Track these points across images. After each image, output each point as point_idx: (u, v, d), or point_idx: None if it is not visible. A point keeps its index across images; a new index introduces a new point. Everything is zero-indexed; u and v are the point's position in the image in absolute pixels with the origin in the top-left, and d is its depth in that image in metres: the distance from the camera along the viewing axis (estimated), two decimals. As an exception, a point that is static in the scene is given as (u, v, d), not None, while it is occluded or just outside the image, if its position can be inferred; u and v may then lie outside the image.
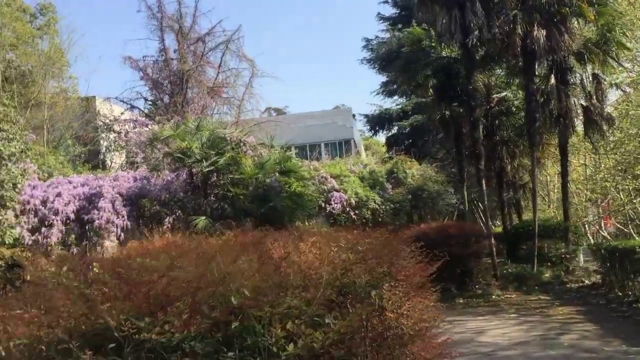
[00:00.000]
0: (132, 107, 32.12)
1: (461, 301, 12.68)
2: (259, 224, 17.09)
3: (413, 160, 28.24)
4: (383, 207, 22.82)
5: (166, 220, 16.91)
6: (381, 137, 47.25)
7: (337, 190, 21.99)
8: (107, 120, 30.90)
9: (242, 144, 18.48)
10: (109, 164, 31.05)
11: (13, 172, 15.88)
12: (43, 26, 31.55)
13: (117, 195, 17.18)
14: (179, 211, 17.11)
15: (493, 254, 14.50)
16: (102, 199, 16.87)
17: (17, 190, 16.03)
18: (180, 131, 18.03)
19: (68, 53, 31.09)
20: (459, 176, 17.50)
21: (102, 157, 31.62)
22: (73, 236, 17.41)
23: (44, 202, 16.92)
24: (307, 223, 19.36)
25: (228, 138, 18.50)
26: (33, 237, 16.18)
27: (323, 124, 39.07)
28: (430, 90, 17.39)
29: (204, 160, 16.99)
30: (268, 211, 16.77)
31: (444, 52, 16.68)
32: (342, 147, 38.24)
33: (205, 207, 17.08)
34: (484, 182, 15.08)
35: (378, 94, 26.07)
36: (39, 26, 31.35)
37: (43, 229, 16.34)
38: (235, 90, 32.37)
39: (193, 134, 18.40)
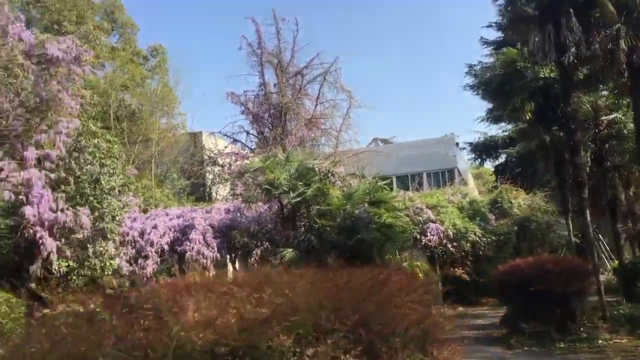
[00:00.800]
0: (235, 141, 33.09)
1: (561, 346, 11.35)
2: (347, 257, 16.74)
3: (519, 189, 26.59)
4: (484, 239, 21.51)
5: (254, 252, 16.90)
6: (490, 166, 45.44)
7: (433, 222, 21.06)
8: (212, 154, 32.03)
9: (330, 174, 18.21)
10: (214, 196, 32.06)
11: (112, 205, 16.63)
12: (154, 67, 33.52)
13: (209, 227, 17.47)
14: (267, 243, 17.03)
15: (601, 292, 12.96)
16: (193, 230, 17.21)
17: (116, 222, 16.77)
18: (270, 163, 18.09)
19: (176, 91, 32.72)
20: (562, 206, 16.03)
21: (207, 189, 32.74)
22: (173, 267, 17.97)
23: (141, 234, 17.53)
24: (398, 256, 18.62)
25: (317, 169, 18.31)
26: (131, 268, 16.74)
27: (425, 153, 38.09)
28: (528, 114, 16.20)
29: (290, 192, 16.88)
30: (356, 243, 16.27)
31: (541, 73, 15.51)
32: (444, 176, 36.99)
33: (293, 239, 16.89)
34: (588, 212, 13.63)
35: (483, 120, 24.82)
36: (151, 67, 33.35)
37: (140, 260, 16.88)
38: (333, 121, 32.44)
39: (283, 165, 18.43)
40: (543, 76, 15.61)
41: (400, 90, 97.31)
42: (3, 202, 15.48)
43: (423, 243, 20.76)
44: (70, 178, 17.08)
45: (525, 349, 11.62)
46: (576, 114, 14.09)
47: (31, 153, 15.82)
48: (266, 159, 18.22)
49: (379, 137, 49.71)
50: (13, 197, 15.16)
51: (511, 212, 24.74)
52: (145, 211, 21.07)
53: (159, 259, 17.14)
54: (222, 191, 32.08)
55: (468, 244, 21.07)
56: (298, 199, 16.84)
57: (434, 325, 6.45)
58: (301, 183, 17.07)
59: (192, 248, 16.73)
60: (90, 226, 16.52)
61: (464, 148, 41.14)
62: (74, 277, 16.68)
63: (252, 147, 32.37)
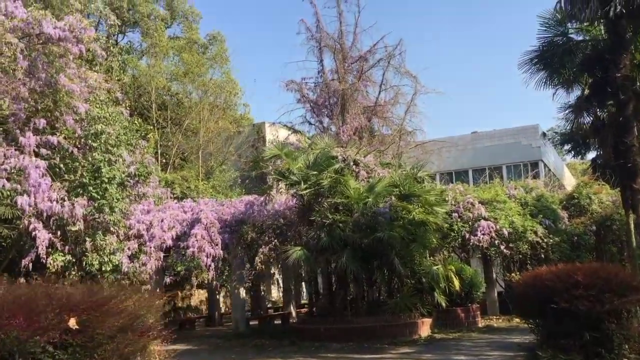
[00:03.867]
0: (295, 131, 31.42)
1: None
2: (361, 258, 14.48)
3: (603, 184, 22.74)
4: (547, 240, 18.29)
5: (260, 250, 15.07)
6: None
7: (485, 219, 18.15)
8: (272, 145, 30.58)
9: (353, 163, 15.99)
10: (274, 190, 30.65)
11: (111, 196, 15.42)
12: (214, 56, 32.59)
13: (215, 221, 15.83)
14: (275, 240, 15.13)
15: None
16: (198, 224, 15.66)
17: (116, 214, 15.56)
18: (287, 151, 16.21)
19: (238, 81, 31.64)
20: (621, 199, 12.80)
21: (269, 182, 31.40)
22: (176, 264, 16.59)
23: (148, 228, 16.23)
24: (429, 258, 16.04)
25: (339, 157, 16.16)
26: (131, 264, 15.48)
27: (504, 144, 34.48)
28: (585, 88, 13.03)
29: (302, 182, 14.88)
30: (373, 242, 13.98)
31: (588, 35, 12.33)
32: (527, 169, 33.22)
33: (305, 235, 14.89)
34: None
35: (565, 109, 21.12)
36: (211, 56, 32.44)
37: (142, 256, 15.58)
38: (396, 109, 29.87)
39: (304, 152, 16.47)
40: (590, 38, 12.46)
41: (476, 76, 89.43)
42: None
43: (472, 243, 17.93)
44: (78, 166, 16.19)
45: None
46: (627, 81, 10.95)
47: (28, 139, 15.00)
48: (283, 146, 16.30)
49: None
50: (7, 185, 14.35)
51: (590, 209, 21.10)
52: (179, 200, 19.95)
53: (162, 255, 15.74)
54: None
55: (526, 245, 17.94)
56: (309, 190, 14.81)
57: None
58: (315, 172, 15.00)
59: (193, 244, 15.16)
60: (88, 218, 15.53)
61: (550, 138, 36.95)
62: (73, 273, 15.68)
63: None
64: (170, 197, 20.24)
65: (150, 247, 15.42)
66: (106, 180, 15.46)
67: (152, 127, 24.96)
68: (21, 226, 15.17)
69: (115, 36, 32.27)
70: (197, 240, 15.16)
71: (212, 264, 15.15)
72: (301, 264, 14.65)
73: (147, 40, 30.62)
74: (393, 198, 15.43)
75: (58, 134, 16.51)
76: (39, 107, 16.19)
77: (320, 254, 14.60)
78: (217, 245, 15.35)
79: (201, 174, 26.68)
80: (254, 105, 67.44)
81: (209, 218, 15.79)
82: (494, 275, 20.15)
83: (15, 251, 15.95)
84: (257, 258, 15.26)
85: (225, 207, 16.81)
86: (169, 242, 15.67)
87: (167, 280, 17.12)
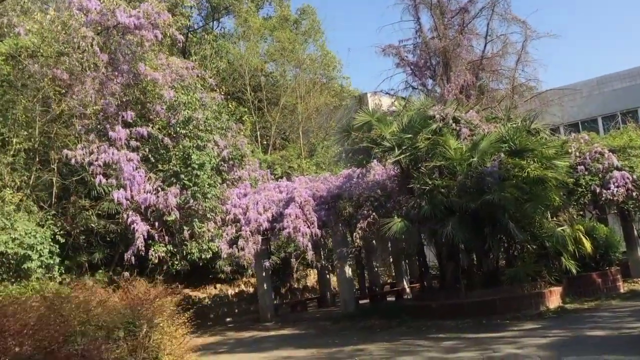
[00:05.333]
0: (398, 98, 29.81)
1: None
2: (470, 224, 12.89)
3: None
4: None
5: (359, 225, 13.96)
6: None
7: (618, 169, 15.73)
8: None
9: (452, 122, 14.34)
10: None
11: (203, 182, 15.04)
12: (307, 30, 31.73)
13: (309, 199, 14.95)
14: (374, 212, 13.93)
15: None
16: (292, 203, 14.87)
17: (209, 199, 15.16)
18: (380, 115, 14.93)
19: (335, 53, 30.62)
20: None
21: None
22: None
23: (245, 212, 15.74)
24: (553, 219, 14.09)
25: (438, 116, 14.59)
26: (230, 250, 15.06)
27: (638, 84, 30.46)
28: None
29: (395, 148, 13.54)
30: (482, 206, 12.38)
31: None
32: (669, 110, 29.12)
33: (406, 205, 13.56)
34: None
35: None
36: (303, 31, 31.61)
37: (240, 241, 15.10)
38: (506, 61, 27.22)
39: (396, 117, 15.10)
40: None
41: (595, 13, 79.08)
42: (97, 188, 14.91)
43: (604, 197, 15.58)
44: (171, 155, 16.02)
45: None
46: None
47: (118, 133, 14.95)
48: (374, 112, 15.00)
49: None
50: (104, 180, 14.42)
51: None
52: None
53: (260, 238, 15.15)
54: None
55: (673, 195, 15.30)
56: (404, 155, 13.45)
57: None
58: (409, 136, 13.59)
59: (288, 225, 14.38)
60: (184, 206, 15.27)
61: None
62: (176, 263, 15.57)
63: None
64: (271, 179, 19.74)
65: (247, 231, 14.87)
66: (196, 166, 15.09)
67: (247, 110, 24.60)
68: (120, 221, 15.33)
69: (211, 23, 32.49)
70: (291, 221, 14.34)
71: (309, 244, 14.29)
72: (403, 236, 13.34)
73: (242, 23, 30.40)
74: (502, 155, 13.62)
75: (151, 125, 16.48)
76: (129, 99, 16.20)
77: (422, 224, 13.25)
78: (312, 223, 14.45)
79: (304, 152, 25.99)
80: (353, 76, 65.24)
81: (303, 196, 14.94)
82: (636, 233, 17.54)
83: (123, 245, 16.10)
84: (354, 233, 14.15)
85: (320, 183, 15.87)
86: (265, 225, 15.05)
87: (267, 263, 16.51)
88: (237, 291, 21.82)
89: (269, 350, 11.69)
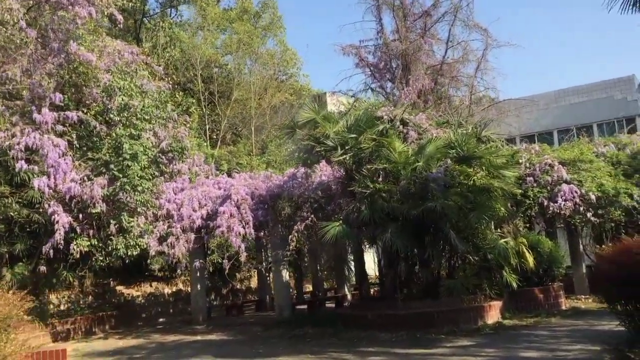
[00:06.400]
0: (357, 99, 29.20)
1: None
2: (410, 232, 12.28)
3: None
4: (647, 204, 15.28)
5: (295, 227, 13.21)
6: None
7: (567, 182, 15.39)
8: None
9: (400, 124, 13.73)
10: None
11: (134, 174, 14.03)
12: (268, 25, 30.87)
13: (247, 197, 14.13)
14: (312, 215, 13.21)
15: None
16: (228, 201, 14.02)
17: (138, 192, 14.17)
18: (325, 114, 14.22)
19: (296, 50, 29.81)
20: None
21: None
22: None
23: (179, 208, 14.80)
24: (497, 230, 13.60)
25: (386, 117, 13.97)
26: (159, 248, 14.11)
27: (594, 100, 30.59)
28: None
29: (338, 148, 12.84)
30: (424, 214, 11.75)
31: None
32: (623, 127, 29.29)
33: (346, 209, 12.87)
34: None
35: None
36: (263, 25, 30.73)
37: (170, 239, 14.16)
38: (466, 67, 26.88)
39: (343, 116, 14.42)
40: None
41: (556, 26, 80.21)
42: (21, 175, 13.78)
43: (551, 210, 15.22)
44: (104, 143, 14.98)
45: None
46: None
47: (44, 116, 13.85)
48: (319, 110, 14.26)
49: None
50: (25, 166, 13.31)
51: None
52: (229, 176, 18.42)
53: (193, 236, 14.24)
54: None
55: (618, 212, 15.01)
56: (347, 156, 12.76)
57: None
58: (354, 136, 12.91)
59: (222, 224, 13.52)
60: (112, 199, 14.27)
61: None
62: (100, 258, 14.52)
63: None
64: (215, 174, 18.82)
65: (177, 228, 13.95)
66: (128, 156, 14.09)
67: (194, 102, 23.58)
68: (42, 210, 14.22)
69: (168, 10, 31.33)
70: (225, 220, 13.49)
71: (242, 245, 13.46)
72: (342, 241, 12.63)
73: (200, 12, 29.38)
74: (449, 161, 13.05)
75: (86, 110, 15.41)
76: (63, 81, 15.10)
77: (361, 230, 12.57)
78: (247, 223, 13.63)
79: (255, 149, 25.13)
80: (312, 74, 64.52)
81: (240, 194, 14.12)
82: (582, 248, 17.25)
83: (46, 237, 14.96)
84: (290, 236, 13.39)
85: (260, 182, 15.06)
86: (199, 222, 14.15)
87: (198, 263, 15.55)
88: (174, 290, 20.83)
89: (187, 357, 10.83)
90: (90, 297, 18.11)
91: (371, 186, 12.23)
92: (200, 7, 28.58)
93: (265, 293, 19.54)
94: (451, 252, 12.92)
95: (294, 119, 14.68)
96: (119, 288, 19.45)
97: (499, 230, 13.79)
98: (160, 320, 18.94)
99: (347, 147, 12.82)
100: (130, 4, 17.65)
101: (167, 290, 20.67)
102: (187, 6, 31.50)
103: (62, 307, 17.11)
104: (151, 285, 20.35)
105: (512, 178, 13.43)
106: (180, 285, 21.18)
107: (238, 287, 23.47)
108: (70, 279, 16.78)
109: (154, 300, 19.90)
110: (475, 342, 10.27)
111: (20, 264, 15.58)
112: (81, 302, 17.64)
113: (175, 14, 31.22)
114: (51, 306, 16.76)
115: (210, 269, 19.26)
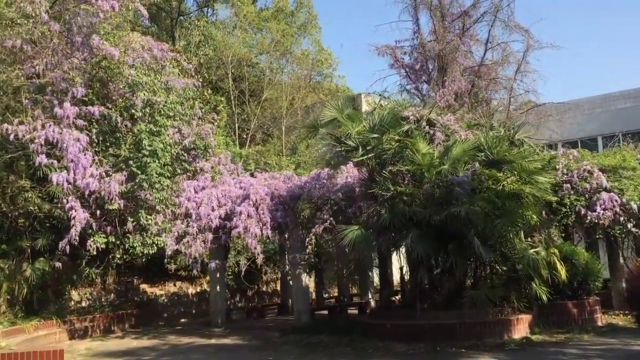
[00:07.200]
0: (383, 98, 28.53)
1: None
2: (434, 238, 11.62)
3: None
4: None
5: (314, 229, 12.71)
6: None
7: (607, 190, 14.45)
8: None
9: (426, 124, 13.09)
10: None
11: (152, 171, 13.79)
12: (303, 25, 30.52)
13: (266, 197, 13.71)
14: (331, 217, 12.68)
15: None
16: (246, 201, 13.62)
17: (156, 189, 13.92)
18: (350, 112, 13.64)
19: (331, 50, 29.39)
20: None
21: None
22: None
23: (199, 206, 14.49)
24: (527, 239, 12.79)
25: (412, 117, 13.35)
26: (176, 247, 13.81)
27: (643, 104, 29.07)
28: None
29: (359, 148, 12.29)
30: (447, 219, 11.09)
31: None
32: (675, 134, 27.70)
33: (366, 211, 12.31)
34: None
35: None
36: (299, 25, 30.40)
37: (187, 237, 13.85)
38: (505, 70, 25.94)
39: (368, 115, 13.86)
40: None
41: (603, 28, 75.88)
42: (42, 169, 13.71)
43: (589, 220, 14.30)
44: (127, 138, 14.81)
45: None
46: None
47: (65, 110, 13.73)
48: (343, 109, 13.69)
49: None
50: (45, 160, 13.22)
51: None
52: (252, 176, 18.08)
53: (211, 236, 13.90)
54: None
55: (664, 225, 14.01)
56: (368, 157, 12.21)
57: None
58: (376, 136, 12.34)
59: (239, 224, 13.13)
60: (128, 195, 14.04)
61: None
62: (117, 256, 14.35)
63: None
64: (240, 174, 18.49)
65: (194, 227, 13.63)
66: (147, 152, 13.87)
67: (223, 100, 23.30)
68: (60, 205, 14.12)
69: (206, 10, 31.31)
70: (242, 220, 13.09)
71: (258, 246, 13.03)
72: (359, 245, 12.02)
73: (236, 12, 29.26)
74: (477, 165, 12.33)
75: (110, 106, 15.28)
76: (89, 76, 15.00)
77: (382, 234, 11.97)
78: (265, 224, 13.19)
79: (285, 150, 24.75)
80: (346, 75, 63.40)
81: (259, 193, 13.70)
82: (622, 261, 16.20)
83: (66, 232, 14.87)
84: (307, 239, 12.91)
85: (281, 182, 14.62)
86: (216, 222, 13.80)
87: (213, 264, 15.15)
88: (198, 290, 20.58)
89: (194, 362, 10.48)
90: (112, 294, 17.99)
91: (392, 189, 11.62)
92: (233, 4, 28.44)
93: (287, 297, 19.09)
94: (477, 260, 12.18)
95: (317, 117, 14.12)
96: (143, 286, 19.30)
97: (529, 239, 12.96)
98: (182, 320, 18.71)
99: (368, 148, 12.27)
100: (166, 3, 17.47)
101: (191, 290, 20.44)
102: (225, 5, 31.40)
103: (83, 304, 17.01)
104: (175, 285, 20.14)
105: (546, 184, 12.59)
106: (205, 286, 20.91)
107: (264, 289, 23.11)
108: (93, 276, 16.74)
109: (177, 300, 19.70)
110: (496, 359, 9.56)
111: (42, 259, 15.55)
112: (103, 300, 17.53)
113: (212, 13, 31.18)
114: (72, 303, 16.69)
115: (236, 270, 18.90)
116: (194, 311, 19.74)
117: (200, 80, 18.16)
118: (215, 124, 18.33)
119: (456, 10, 26.95)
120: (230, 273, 19.11)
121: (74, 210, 13.17)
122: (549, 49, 26.44)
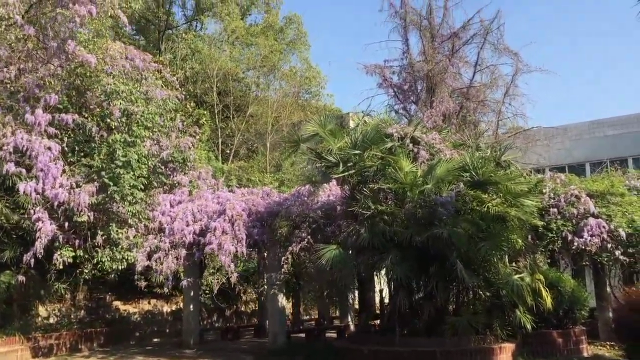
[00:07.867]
0: (367, 115, 28.17)
1: None
2: (414, 259, 11.13)
3: None
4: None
5: (290, 248, 12.18)
6: None
7: (594, 216, 14.07)
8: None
9: (410, 142, 12.67)
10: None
11: (125, 183, 13.23)
12: (292, 42, 30.25)
13: (243, 213, 13.17)
14: (309, 236, 12.17)
15: None
16: (221, 217, 13.08)
17: (129, 202, 13.35)
18: (332, 127, 13.19)
19: (319, 68, 29.12)
20: None
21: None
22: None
23: (173, 221, 13.92)
24: (509, 264, 12.31)
25: (396, 134, 12.93)
26: (147, 263, 13.20)
27: (633, 132, 28.95)
28: None
29: (340, 164, 11.83)
30: (429, 241, 10.61)
31: None
32: (662, 162, 27.57)
33: (345, 230, 11.82)
34: None
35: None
36: (288, 41, 30.13)
37: (158, 254, 13.26)
38: (494, 93, 25.70)
39: (350, 132, 13.41)
40: None
41: (591, 55, 76.47)
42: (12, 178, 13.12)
43: (575, 246, 13.89)
44: (101, 148, 14.26)
45: None
46: None
47: (36, 117, 13.19)
48: (325, 124, 13.24)
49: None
50: (13, 169, 12.64)
51: None
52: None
53: (184, 253, 13.32)
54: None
55: (652, 252, 13.62)
56: (349, 173, 11.75)
57: None
58: (358, 152, 11.89)
59: (212, 240, 12.57)
60: (99, 207, 13.46)
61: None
62: (85, 271, 13.71)
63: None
64: (219, 189, 17.96)
65: (166, 243, 13.05)
66: (120, 163, 13.32)
67: (205, 113, 22.83)
68: (27, 216, 13.51)
69: (194, 23, 30.97)
70: (216, 236, 12.54)
71: (232, 264, 12.46)
72: (337, 266, 11.49)
73: (225, 27, 28.93)
74: (462, 185, 11.91)
75: (86, 115, 14.78)
76: (64, 83, 14.49)
77: (361, 255, 11.46)
78: (240, 241, 12.64)
79: (269, 166, 24.26)
80: (334, 93, 63.17)
81: (236, 209, 13.16)
82: (609, 289, 15.77)
83: (32, 245, 14.23)
84: (283, 258, 12.37)
85: (259, 198, 14.11)
86: (190, 238, 13.23)
87: (185, 282, 14.53)
88: (173, 309, 19.86)
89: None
90: (82, 311, 17.26)
91: (373, 207, 11.15)
92: (222, 19, 28.14)
93: (265, 318, 18.37)
94: (459, 285, 11.69)
95: (298, 132, 13.66)
96: (115, 303, 18.58)
97: (514, 264, 12.50)
98: (154, 340, 17.99)
99: (349, 164, 11.81)
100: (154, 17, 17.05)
101: (166, 308, 19.74)
102: (213, 19, 31.10)
103: (50, 321, 16.27)
104: (149, 303, 19.43)
105: (532, 208, 12.16)
106: (181, 304, 20.20)
107: (243, 309, 22.43)
108: (62, 291, 16.07)
109: (151, 319, 18.98)
110: (477, 390, 9.02)
111: (8, 272, 14.90)
112: (72, 316, 16.80)
113: (200, 27, 30.85)
114: (39, 319, 15.97)
115: (215, 290, 18.25)
116: (167, 330, 19.01)
117: (184, 93, 17.73)
118: (197, 137, 17.83)
119: (446, 31, 26.76)
120: (207, 292, 18.47)
121: (40, 222, 12.60)
122: (538, 72, 26.25)
